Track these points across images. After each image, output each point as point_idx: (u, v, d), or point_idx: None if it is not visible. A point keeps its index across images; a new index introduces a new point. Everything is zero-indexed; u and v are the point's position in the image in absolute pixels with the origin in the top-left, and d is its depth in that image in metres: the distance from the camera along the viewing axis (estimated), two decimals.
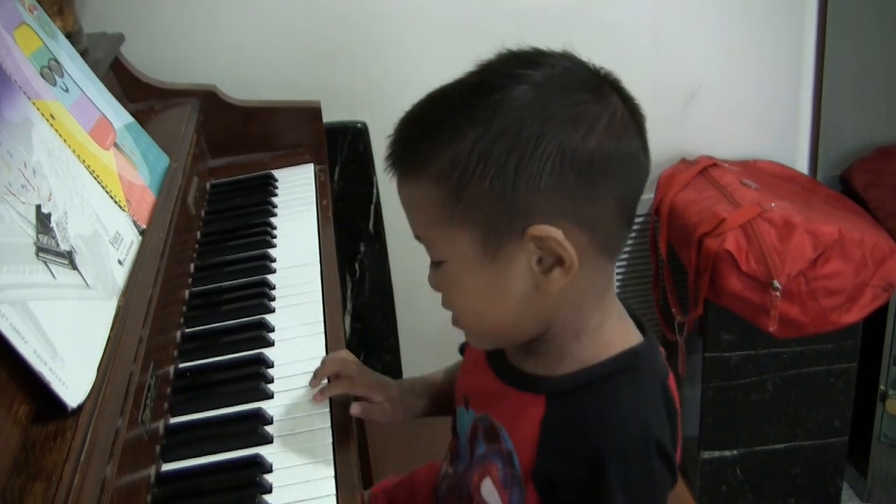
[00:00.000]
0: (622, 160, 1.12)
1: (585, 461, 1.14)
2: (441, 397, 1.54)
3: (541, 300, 1.15)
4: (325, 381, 1.53)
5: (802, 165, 2.93)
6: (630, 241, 2.94)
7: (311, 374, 1.54)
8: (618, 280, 3.01)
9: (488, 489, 1.27)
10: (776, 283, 2.37)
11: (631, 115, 1.14)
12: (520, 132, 1.06)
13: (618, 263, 2.95)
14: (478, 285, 1.15)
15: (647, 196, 2.85)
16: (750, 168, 2.79)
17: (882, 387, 2.72)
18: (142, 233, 1.64)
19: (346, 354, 1.56)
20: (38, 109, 1.53)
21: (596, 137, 1.08)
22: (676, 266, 2.73)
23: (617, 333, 1.22)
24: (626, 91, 1.16)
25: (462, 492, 1.34)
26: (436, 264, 1.18)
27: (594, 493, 1.13)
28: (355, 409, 1.48)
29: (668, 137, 2.85)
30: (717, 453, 2.76)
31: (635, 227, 2.92)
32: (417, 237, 1.19)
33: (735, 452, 2.76)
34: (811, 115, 2.87)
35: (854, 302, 2.46)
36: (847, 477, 2.90)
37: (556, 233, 1.09)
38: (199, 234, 2.04)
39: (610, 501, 1.13)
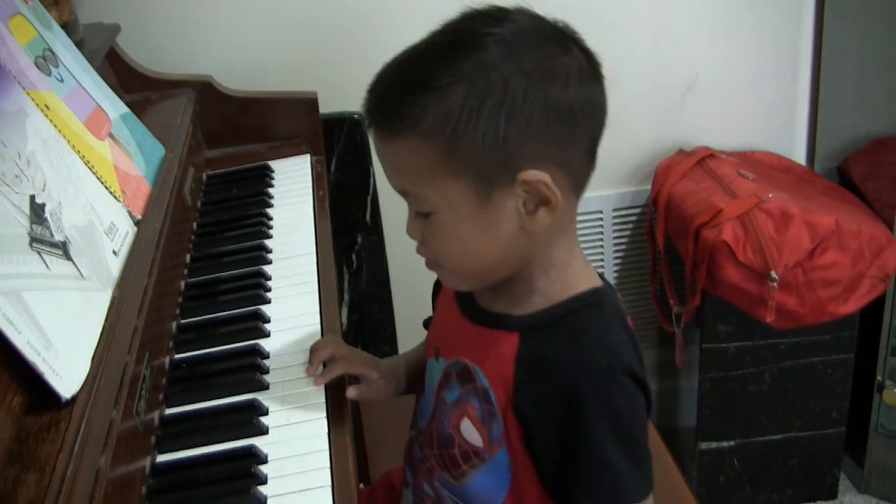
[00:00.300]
0: (592, 105, 1.22)
1: (563, 391, 1.23)
2: (420, 373, 1.56)
3: (525, 239, 1.24)
4: (322, 365, 1.55)
5: (800, 156, 2.93)
6: (627, 232, 2.95)
7: (306, 364, 1.55)
8: (615, 271, 3.02)
9: (467, 428, 1.34)
10: (773, 274, 2.37)
11: (590, 64, 1.23)
12: (506, 87, 1.14)
13: (615, 254, 2.96)
14: (469, 232, 1.22)
15: (645, 187, 2.85)
16: (747, 159, 2.79)
17: (879, 377, 2.72)
18: (137, 223, 1.64)
19: (334, 337, 1.60)
20: (33, 100, 1.53)
21: (572, 88, 1.18)
22: (674, 257, 2.73)
23: (581, 274, 1.32)
24: (583, 41, 1.24)
25: (441, 440, 1.40)
26: (423, 216, 1.24)
27: (576, 420, 1.22)
28: (352, 392, 1.52)
29: (665, 129, 2.85)
30: (714, 444, 2.76)
31: (633, 217, 2.93)
32: (403, 192, 1.25)
33: (732, 443, 2.76)
34: (808, 107, 2.87)
35: (851, 292, 2.46)
36: (844, 467, 2.91)
37: (544, 177, 1.18)
38: (195, 224, 2.03)
39: (592, 425, 1.21)
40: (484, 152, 1.16)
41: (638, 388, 1.26)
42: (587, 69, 1.21)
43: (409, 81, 1.19)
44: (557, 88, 1.17)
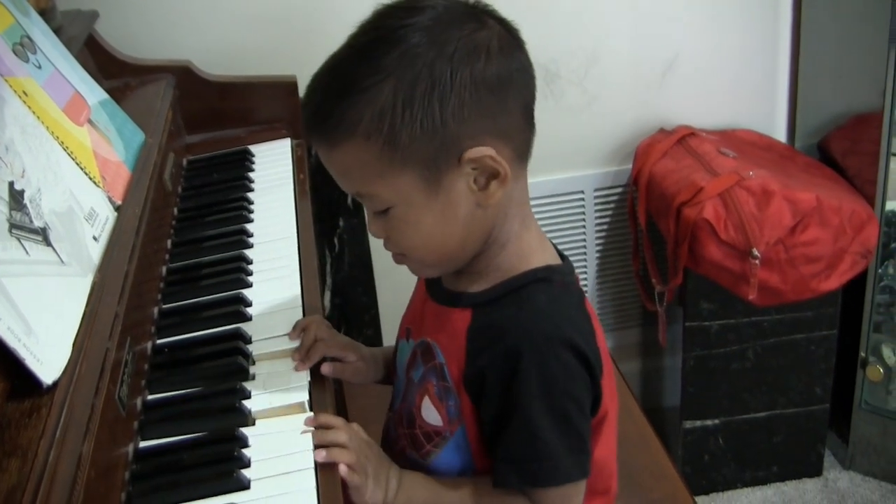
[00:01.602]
0: (518, 72, 1.25)
1: (504, 355, 1.27)
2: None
3: (482, 215, 1.28)
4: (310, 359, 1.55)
5: (780, 134, 2.93)
6: (609, 212, 2.95)
7: (289, 348, 1.55)
8: (597, 251, 3.02)
9: (427, 407, 1.39)
10: (755, 251, 2.37)
11: (509, 32, 1.26)
12: (432, 73, 1.18)
13: (597, 234, 2.96)
14: (428, 219, 1.26)
15: (626, 167, 2.85)
16: (728, 137, 2.79)
17: (862, 354, 2.73)
18: (117, 209, 1.63)
19: (317, 317, 1.60)
20: (11, 86, 1.52)
21: (495, 60, 1.21)
22: (655, 236, 2.73)
23: (536, 250, 1.36)
24: (496, 12, 1.28)
25: (409, 419, 1.43)
26: (381, 213, 1.28)
27: (512, 381, 1.27)
28: (326, 368, 1.52)
29: (645, 108, 2.85)
30: (698, 423, 2.77)
31: (614, 196, 2.94)
32: (357, 195, 1.30)
33: (717, 421, 2.77)
34: (788, 84, 2.88)
35: (833, 269, 2.46)
36: (829, 444, 2.92)
37: (488, 151, 1.22)
38: (175, 210, 2.03)
39: (526, 388, 1.26)
40: (425, 140, 1.19)
41: (580, 365, 1.29)
42: (506, 38, 1.25)
43: (339, 88, 1.22)
44: (482, 63, 1.20)
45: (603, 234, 2.99)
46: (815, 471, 2.90)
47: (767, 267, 2.41)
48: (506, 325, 1.29)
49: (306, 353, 1.52)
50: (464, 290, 1.37)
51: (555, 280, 1.33)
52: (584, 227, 2.96)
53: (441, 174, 1.22)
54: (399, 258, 1.35)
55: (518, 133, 1.27)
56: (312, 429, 1.36)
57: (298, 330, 1.56)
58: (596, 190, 2.92)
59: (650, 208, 2.70)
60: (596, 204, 2.94)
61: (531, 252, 1.35)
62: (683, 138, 2.73)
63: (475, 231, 1.29)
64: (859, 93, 2.76)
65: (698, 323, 2.63)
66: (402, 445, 1.47)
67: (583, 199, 2.93)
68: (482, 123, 1.21)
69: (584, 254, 3.00)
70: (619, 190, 2.93)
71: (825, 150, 2.85)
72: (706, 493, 2.87)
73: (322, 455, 1.31)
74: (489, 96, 1.21)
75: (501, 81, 1.22)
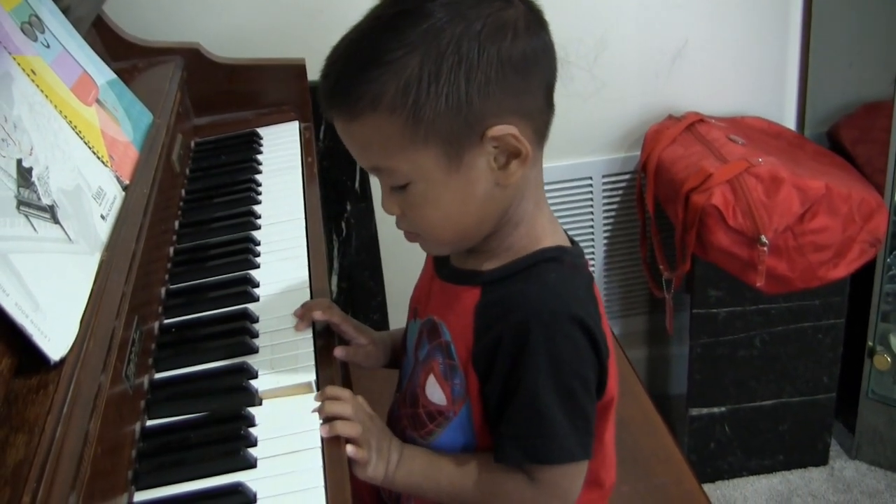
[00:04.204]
0: (543, 53, 1.25)
1: (512, 330, 1.27)
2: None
3: (500, 194, 1.27)
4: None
5: (790, 121, 2.93)
6: (617, 198, 2.95)
7: (295, 326, 1.56)
8: (605, 237, 3.01)
9: (432, 386, 1.39)
10: (763, 239, 2.37)
11: (534, 13, 1.25)
12: (459, 49, 1.17)
13: (605, 220, 2.96)
14: (446, 196, 1.25)
15: (634, 153, 2.85)
16: (737, 124, 2.79)
17: (870, 342, 2.72)
18: (125, 188, 1.63)
19: (326, 301, 1.60)
20: (19, 64, 1.52)
21: (521, 39, 1.21)
22: (664, 223, 2.72)
23: (548, 231, 1.36)
24: None
25: (409, 399, 1.44)
26: (398, 189, 1.27)
27: (519, 356, 1.27)
28: (339, 352, 1.52)
29: (654, 94, 2.84)
30: (705, 410, 2.76)
31: (622, 183, 2.93)
32: (374, 169, 1.28)
33: (723, 409, 2.76)
34: (798, 71, 2.87)
35: (841, 257, 2.46)
36: (835, 433, 2.92)
37: (512, 129, 1.21)
38: (183, 191, 2.03)
39: (533, 363, 1.26)
40: (449, 115, 1.18)
41: (588, 343, 1.28)
42: (532, 18, 1.24)
43: (363, 59, 1.20)
44: (508, 41, 1.19)
45: (611, 220, 2.99)
46: (821, 460, 2.89)
47: (775, 254, 2.41)
48: (515, 300, 1.29)
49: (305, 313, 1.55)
50: (473, 269, 1.36)
51: (565, 260, 1.33)
52: (591, 213, 2.96)
53: (462, 151, 1.21)
54: (411, 236, 1.34)
55: (539, 114, 1.26)
56: (321, 403, 1.37)
57: (306, 315, 1.55)
58: (604, 176, 2.92)
59: (658, 195, 2.69)
60: (604, 190, 2.94)
61: (543, 233, 1.34)
62: (692, 125, 2.72)
63: (492, 210, 1.28)
64: (870, 80, 2.75)
65: (706, 310, 2.62)
66: (404, 425, 1.47)
67: (591, 186, 2.93)
68: (506, 102, 1.20)
69: (592, 240, 2.99)
70: (627, 176, 2.92)
71: (835, 138, 2.84)
72: (712, 480, 2.87)
73: (326, 430, 1.32)
74: (514, 75, 1.20)
75: (527, 61, 1.21)
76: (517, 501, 1.36)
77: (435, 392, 1.39)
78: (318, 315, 1.53)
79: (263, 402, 1.40)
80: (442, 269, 1.42)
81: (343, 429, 1.33)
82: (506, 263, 1.33)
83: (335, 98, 1.23)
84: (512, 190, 1.27)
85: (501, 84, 1.19)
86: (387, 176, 1.27)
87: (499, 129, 1.20)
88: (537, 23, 1.25)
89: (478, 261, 1.36)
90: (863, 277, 2.61)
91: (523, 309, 1.27)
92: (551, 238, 1.35)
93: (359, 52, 1.21)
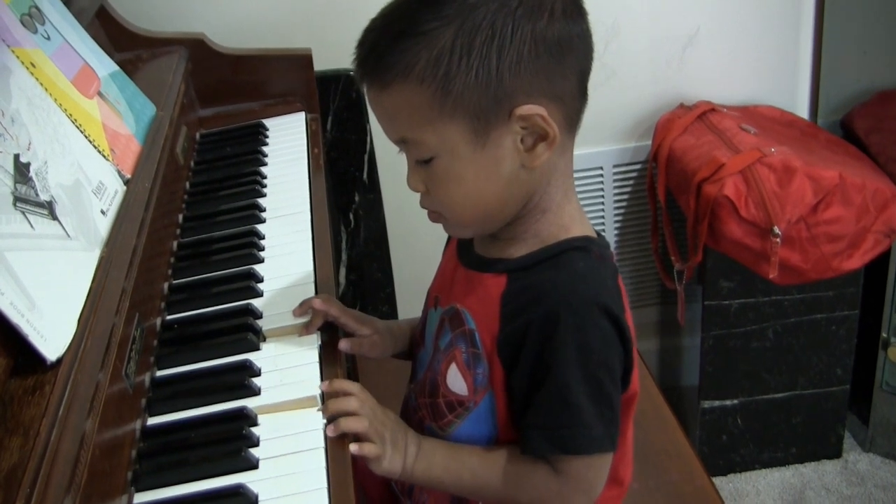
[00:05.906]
0: (579, 38, 1.25)
1: (542, 319, 1.26)
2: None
3: (525, 177, 1.27)
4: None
5: (803, 110, 2.90)
6: (628, 188, 2.93)
7: (300, 324, 1.54)
8: (616, 228, 2.99)
9: (453, 374, 1.38)
10: (776, 229, 2.34)
11: (573, 1, 1.25)
12: (493, 25, 1.17)
13: (616, 211, 2.94)
14: (470, 173, 1.25)
15: (645, 142, 2.83)
16: (749, 113, 2.76)
17: (884, 334, 2.71)
18: (126, 182, 1.62)
19: (325, 294, 1.59)
20: (18, 57, 1.50)
21: (558, 21, 1.21)
22: (675, 213, 2.70)
23: (576, 220, 1.35)
24: None
25: (432, 388, 1.42)
26: (422, 163, 1.27)
27: (547, 345, 1.26)
28: (344, 344, 1.51)
29: (666, 83, 2.82)
30: (717, 402, 2.74)
31: (633, 173, 2.92)
32: (401, 141, 1.28)
33: (736, 401, 2.75)
34: (811, 60, 2.84)
35: (855, 248, 2.43)
36: (849, 425, 2.90)
37: (540, 110, 1.21)
38: (187, 184, 2.01)
39: (563, 352, 1.25)
40: (478, 90, 1.19)
41: (615, 333, 1.28)
42: (571, 4, 1.24)
43: (398, 30, 1.21)
44: (543, 22, 1.19)
45: (622, 211, 2.97)
46: (834, 452, 2.88)
47: (788, 245, 2.38)
48: (543, 287, 1.28)
49: (309, 318, 1.53)
50: (498, 257, 1.36)
51: (593, 250, 1.33)
52: (602, 203, 2.94)
53: (490, 127, 1.22)
54: (434, 216, 1.34)
55: (571, 100, 1.26)
56: (325, 398, 1.36)
57: (305, 307, 1.54)
58: (615, 166, 2.90)
59: (670, 185, 2.67)
60: (615, 180, 2.92)
61: (571, 222, 1.34)
62: (704, 114, 2.70)
63: (516, 192, 1.28)
64: (884, 69, 2.73)
65: (718, 302, 2.60)
66: (422, 415, 1.46)
67: (602, 176, 2.90)
68: (537, 82, 1.21)
69: (603, 231, 2.97)
70: (638, 166, 2.90)
71: (848, 127, 2.82)
72: (724, 473, 2.86)
73: (332, 429, 1.30)
74: (547, 56, 1.20)
75: (561, 44, 1.21)
76: (542, 494, 1.34)
77: (456, 381, 1.38)
78: (317, 304, 1.52)
79: (265, 416, 1.37)
80: (465, 256, 1.42)
81: (348, 424, 1.31)
82: (533, 251, 1.33)
83: (367, 66, 1.25)
84: (538, 174, 1.27)
85: (533, 63, 1.19)
86: (413, 148, 1.27)
87: (527, 109, 1.21)
88: (576, 9, 1.25)
89: (503, 248, 1.35)
90: (877, 268, 2.59)
91: (553, 296, 1.27)
92: (580, 228, 1.35)
93: (394, 23, 1.23)
